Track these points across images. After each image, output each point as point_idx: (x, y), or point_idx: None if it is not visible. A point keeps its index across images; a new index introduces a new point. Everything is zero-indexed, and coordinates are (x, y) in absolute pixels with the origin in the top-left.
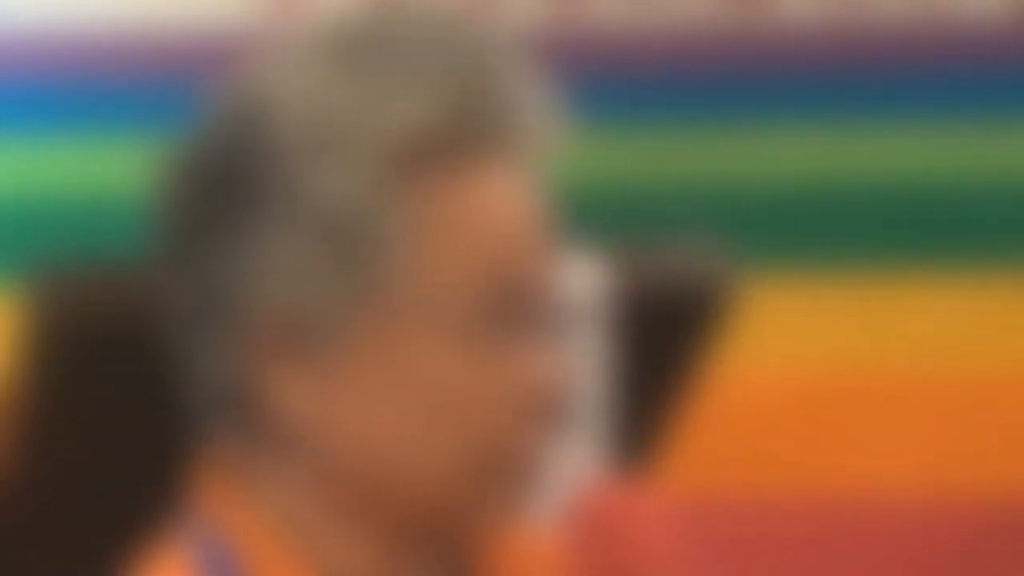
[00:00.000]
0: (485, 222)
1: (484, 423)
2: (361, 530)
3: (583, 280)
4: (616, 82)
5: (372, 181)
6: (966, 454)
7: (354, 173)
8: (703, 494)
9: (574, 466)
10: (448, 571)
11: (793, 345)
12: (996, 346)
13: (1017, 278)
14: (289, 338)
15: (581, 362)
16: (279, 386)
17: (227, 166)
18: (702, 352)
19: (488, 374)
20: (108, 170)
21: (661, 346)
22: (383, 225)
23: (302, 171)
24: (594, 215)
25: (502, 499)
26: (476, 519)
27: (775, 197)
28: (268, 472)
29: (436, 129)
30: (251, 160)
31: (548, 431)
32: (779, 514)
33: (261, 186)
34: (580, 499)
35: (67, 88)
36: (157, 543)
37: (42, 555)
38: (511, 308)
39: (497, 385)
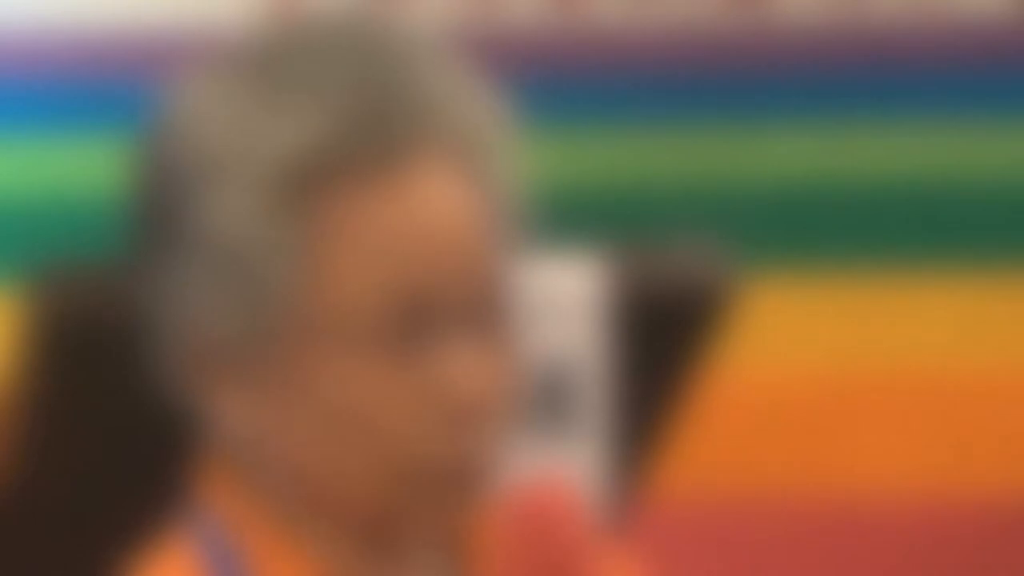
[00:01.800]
0: (388, 233)
1: (406, 431)
2: (332, 527)
3: (583, 280)
4: (616, 82)
5: (262, 204)
6: (966, 454)
7: (244, 198)
8: (702, 496)
9: (574, 466)
10: (444, 555)
11: (793, 345)
12: (997, 346)
13: (1017, 278)
14: (217, 360)
15: (580, 362)
16: (218, 401)
17: (148, 196)
18: (702, 352)
19: (406, 382)
20: (107, 170)
21: (661, 346)
22: (275, 249)
23: (199, 198)
24: (593, 215)
25: (448, 502)
26: (424, 524)
27: (775, 197)
28: (242, 473)
29: (325, 146)
30: (164, 190)
31: (482, 435)
32: (778, 517)
33: (171, 212)
34: (516, 492)
35: (66, 88)
36: (160, 539)
37: (42, 555)
38: (429, 314)
39: (416, 392)
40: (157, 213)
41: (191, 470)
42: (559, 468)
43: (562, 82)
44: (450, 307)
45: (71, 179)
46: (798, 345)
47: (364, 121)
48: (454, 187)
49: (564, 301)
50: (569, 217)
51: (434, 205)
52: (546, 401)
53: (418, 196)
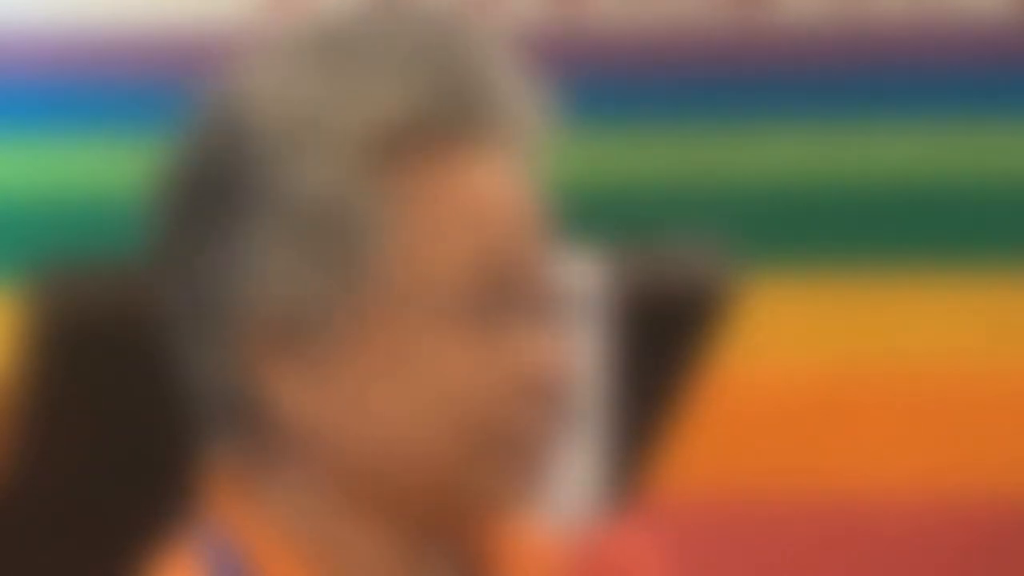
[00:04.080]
0: (471, 208)
1: (483, 407)
2: (369, 525)
3: (583, 279)
4: (616, 82)
5: (350, 173)
6: (967, 454)
7: (331, 167)
8: (701, 501)
9: (575, 465)
10: (457, 566)
11: (793, 345)
12: (998, 346)
13: (1016, 278)
14: (282, 336)
15: (581, 361)
16: (276, 385)
17: (212, 169)
18: (702, 352)
19: (484, 358)
20: (108, 170)
21: (661, 346)
22: (364, 217)
23: (281, 168)
24: (594, 215)
25: (509, 483)
26: (484, 504)
27: (775, 196)
28: (273, 473)
29: (410, 118)
30: (233, 161)
31: (551, 414)
32: (779, 518)
33: (243, 186)
34: (579, 543)
35: (67, 88)
36: (166, 547)
37: (42, 555)
38: (503, 292)
39: (494, 369)
40: (217, 188)
41: (197, 474)
42: (556, 468)
43: (562, 82)
44: (521, 287)
45: (74, 179)
46: (798, 345)
47: (444, 98)
48: (513, 173)
49: (563, 301)
50: (568, 217)
51: (504, 187)
52: None
53: (492, 176)
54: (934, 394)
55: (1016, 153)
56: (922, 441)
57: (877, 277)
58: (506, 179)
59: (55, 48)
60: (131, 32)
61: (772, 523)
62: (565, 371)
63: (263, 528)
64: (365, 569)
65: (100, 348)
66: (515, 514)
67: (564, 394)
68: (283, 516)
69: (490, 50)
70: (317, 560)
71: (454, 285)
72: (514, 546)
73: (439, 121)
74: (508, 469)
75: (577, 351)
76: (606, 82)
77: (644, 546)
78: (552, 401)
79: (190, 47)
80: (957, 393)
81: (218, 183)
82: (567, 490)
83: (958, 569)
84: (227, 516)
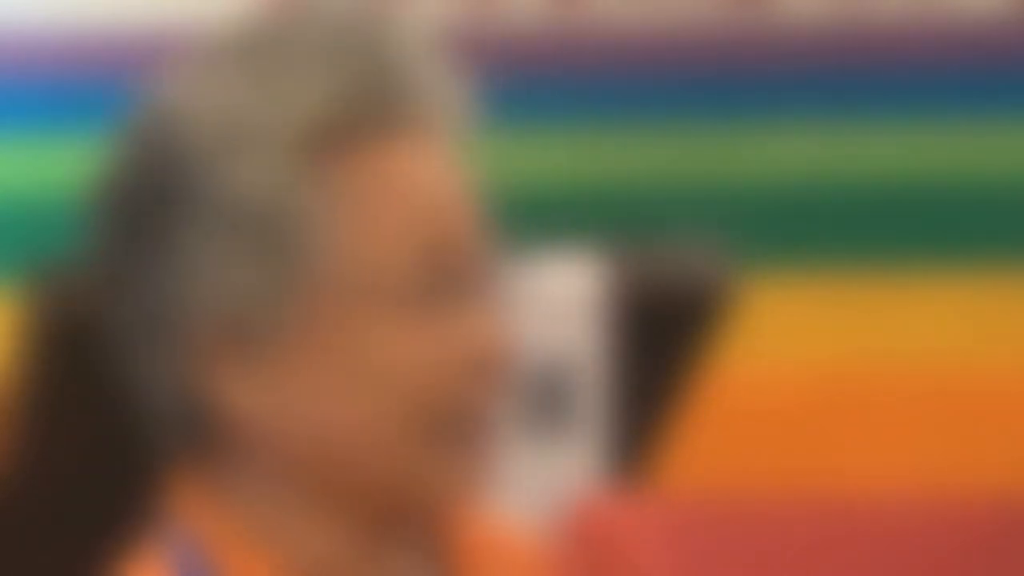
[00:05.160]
0: (404, 195)
1: (432, 390)
2: (330, 520)
3: (582, 280)
4: (616, 82)
5: (282, 173)
6: (967, 454)
7: (263, 166)
8: (702, 497)
9: (572, 465)
10: (425, 559)
11: (793, 345)
12: (997, 345)
13: (1016, 278)
14: (229, 337)
15: (580, 362)
16: (228, 387)
17: (148, 178)
18: (702, 352)
19: (428, 340)
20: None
21: (660, 346)
22: (300, 214)
23: (213, 172)
24: (593, 215)
25: (459, 464)
26: (437, 488)
27: (775, 196)
28: (231, 473)
29: (334, 113)
30: (167, 167)
31: (495, 391)
32: (778, 517)
33: (179, 191)
34: (571, 509)
35: (68, 88)
36: (134, 548)
37: (42, 555)
38: (443, 274)
39: (440, 351)
40: (155, 196)
41: (165, 477)
42: (557, 467)
43: (562, 82)
44: (460, 266)
45: (74, 179)
46: (797, 345)
47: (366, 90)
48: (439, 161)
49: (564, 301)
50: (569, 217)
51: (434, 174)
52: (545, 401)
53: (421, 164)
54: (934, 394)
55: (1016, 153)
56: (922, 441)
57: (877, 277)
58: (436, 166)
59: (55, 48)
60: (131, 32)
61: (772, 522)
62: (506, 347)
63: (226, 527)
64: (328, 564)
65: (100, 348)
66: (481, 505)
67: (506, 370)
68: (244, 515)
69: (410, 42)
70: (280, 557)
71: (395, 273)
72: (483, 539)
73: (363, 114)
74: (452, 447)
75: (576, 352)
76: (606, 82)
77: (644, 525)
78: (495, 378)
79: (190, 47)
80: (957, 393)
81: (155, 191)
82: (566, 488)
83: (958, 569)
84: (191, 516)
